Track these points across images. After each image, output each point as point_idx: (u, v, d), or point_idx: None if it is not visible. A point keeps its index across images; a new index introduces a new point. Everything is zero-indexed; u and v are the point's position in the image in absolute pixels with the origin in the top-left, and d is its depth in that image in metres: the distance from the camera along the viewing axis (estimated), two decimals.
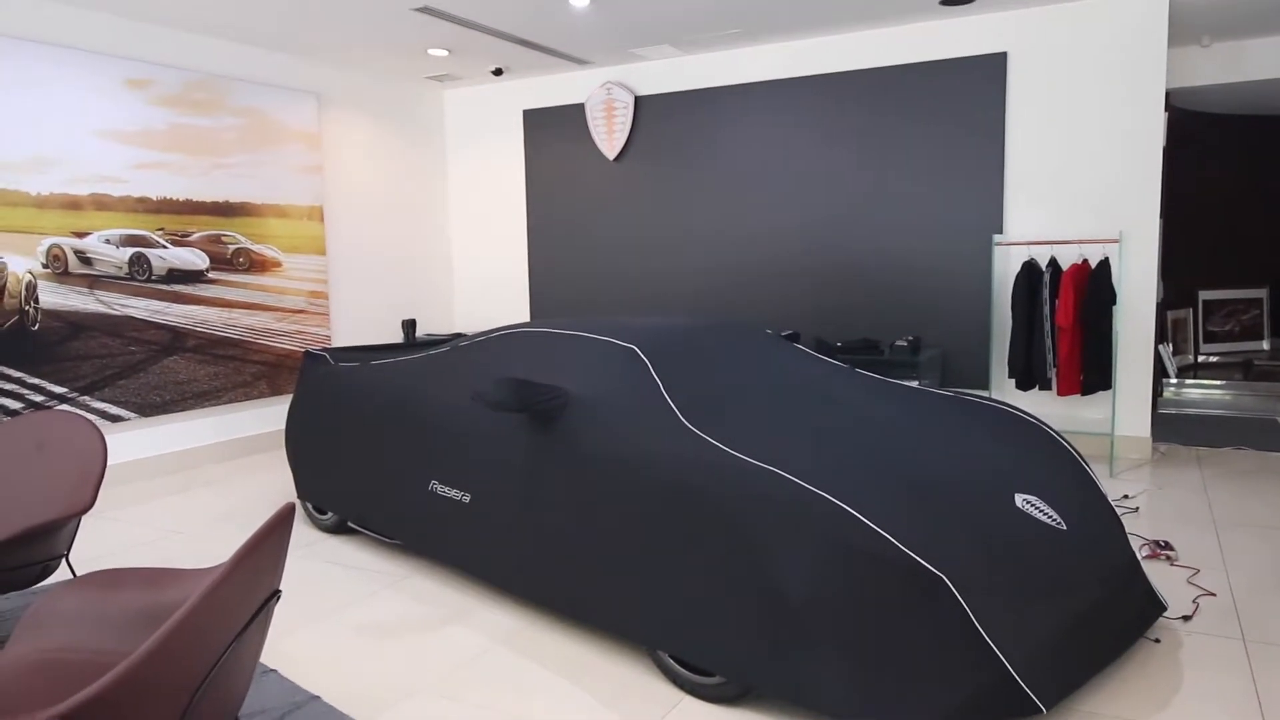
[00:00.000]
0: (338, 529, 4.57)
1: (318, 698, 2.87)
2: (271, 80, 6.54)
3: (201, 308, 6.17)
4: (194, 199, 6.08)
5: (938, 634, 2.56)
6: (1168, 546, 4.16)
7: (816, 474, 2.81)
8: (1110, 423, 5.85)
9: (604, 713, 2.84)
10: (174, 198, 5.97)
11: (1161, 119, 5.60)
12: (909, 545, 2.60)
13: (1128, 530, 4.38)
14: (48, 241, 5.33)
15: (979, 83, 5.97)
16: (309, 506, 4.74)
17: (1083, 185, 5.80)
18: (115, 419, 5.69)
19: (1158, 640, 3.23)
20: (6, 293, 5.17)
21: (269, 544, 2.09)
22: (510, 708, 2.90)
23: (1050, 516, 3.05)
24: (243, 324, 6.41)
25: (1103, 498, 3.40)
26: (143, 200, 5.79)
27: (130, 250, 5.74)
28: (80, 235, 5.48)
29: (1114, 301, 5.57)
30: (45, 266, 5.33)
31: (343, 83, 7.16)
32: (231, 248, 6.30)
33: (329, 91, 7.02)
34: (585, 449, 3.20)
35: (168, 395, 5.97)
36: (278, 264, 6.59)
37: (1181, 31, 6.39)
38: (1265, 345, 9.27)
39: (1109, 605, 3.02)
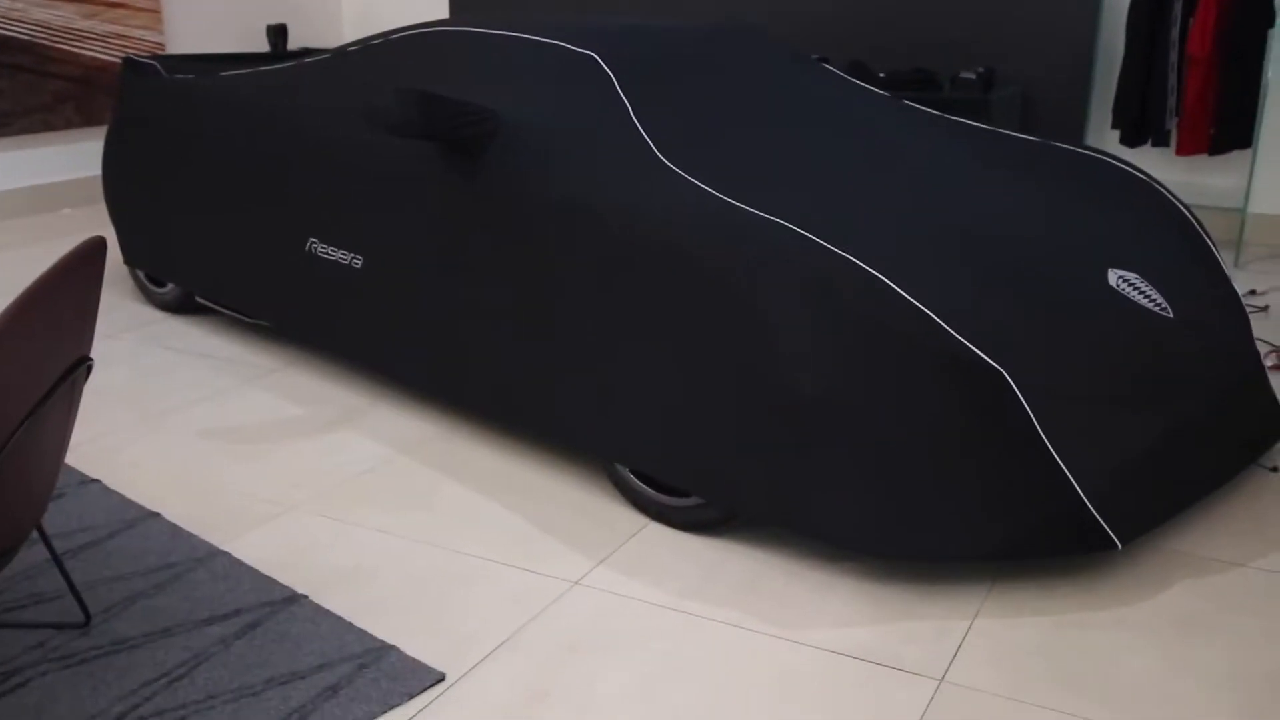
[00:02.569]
0: (181, 306, 3.97)
1: (158, 514, 2.49)
2: None
3: None
4: None
5: (990, 447, 2.14)
6: None
7: (838, 229, 2.37)
8: (1244, 195, 4.88)
9: (545, 540, 2.47)
10: None
11: None
12: (958, 328, 2.22)
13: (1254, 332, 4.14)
14: None
15: None
16: (140, 276, 4.00)
17: None
18: None
19: (1275, 469, 2.90)
20: None
21: (69, 287, 1.69)
22: (420, 532, 2.49)
23: (1153, 300, 2.61)
24: (32, 19, 4.90)
25: (1226, 282, 2.88)
26: None
27: None
28: None
29: (1273, 24, 4.23)
30: None
31: None
32: None
33: None
34: (523, 193, 2.70)
35: None
36: None
37: None
38: None
39: (1218, 420, 2.62)
